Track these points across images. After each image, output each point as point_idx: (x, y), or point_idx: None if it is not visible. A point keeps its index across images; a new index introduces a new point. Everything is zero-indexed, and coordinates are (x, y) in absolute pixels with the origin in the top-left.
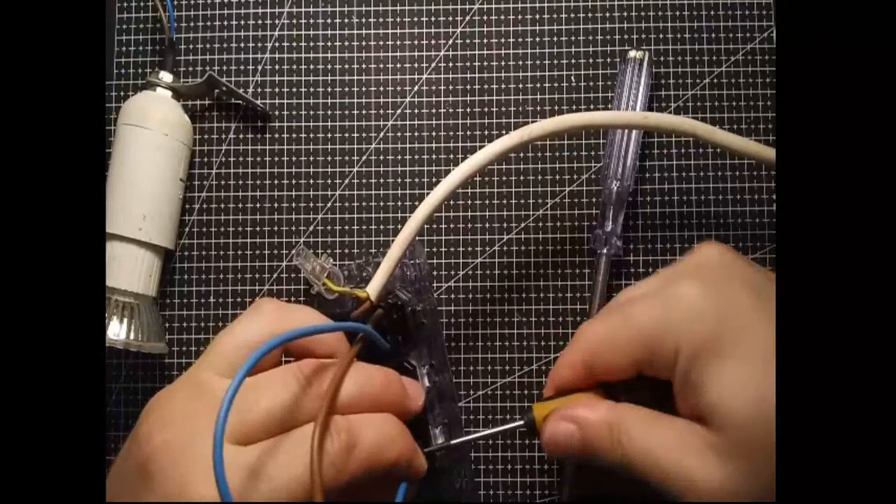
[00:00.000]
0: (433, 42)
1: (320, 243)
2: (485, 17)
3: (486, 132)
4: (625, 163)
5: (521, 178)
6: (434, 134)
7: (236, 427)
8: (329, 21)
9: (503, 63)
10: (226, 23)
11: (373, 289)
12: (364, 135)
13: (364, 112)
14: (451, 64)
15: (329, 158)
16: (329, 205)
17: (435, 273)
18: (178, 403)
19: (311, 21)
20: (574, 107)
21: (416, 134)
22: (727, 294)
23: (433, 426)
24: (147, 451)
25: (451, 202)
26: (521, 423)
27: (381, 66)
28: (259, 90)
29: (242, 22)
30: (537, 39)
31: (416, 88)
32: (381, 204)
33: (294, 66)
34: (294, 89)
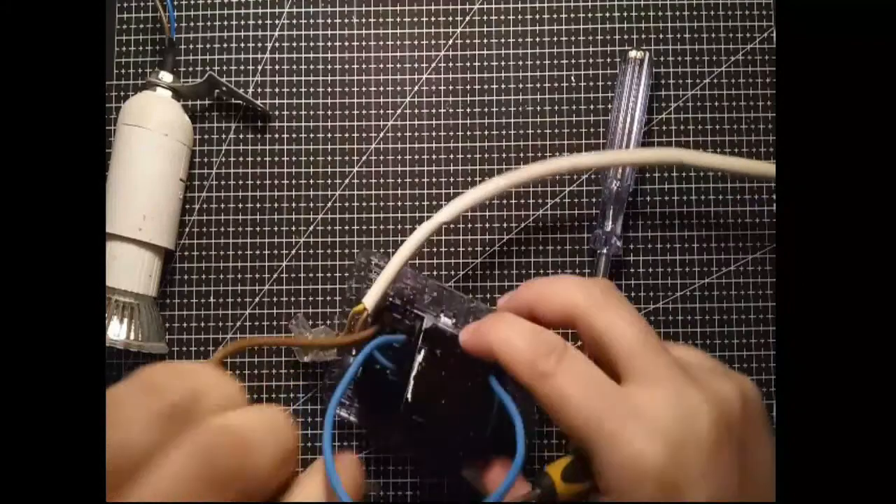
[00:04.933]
0: (433, 42)
1: (320, 243)
2: (485, 18)
3: (485, 132)
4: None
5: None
6: (434, 134)
7: None
8: (329, 21)
9: (503, 63)
10: (226, 23)
11: (370, 301)
12: (364, 135)
13: (364, 112)
14: (451, 64)
15: (329, 158)
16: (329, 205)
17: (435, 273)
18: None
19: (311, 21)
20: (574, 106)
21: (416, 134)
22: (700, 473)
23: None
24: None
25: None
26: (538, 492)
27: (381, 66)
28: (259, 90)
29: (243, 22)
30: (537, 40)
31: (416, 88)
32: (381, 204)
33: (294, 66)
34: (294, 89)
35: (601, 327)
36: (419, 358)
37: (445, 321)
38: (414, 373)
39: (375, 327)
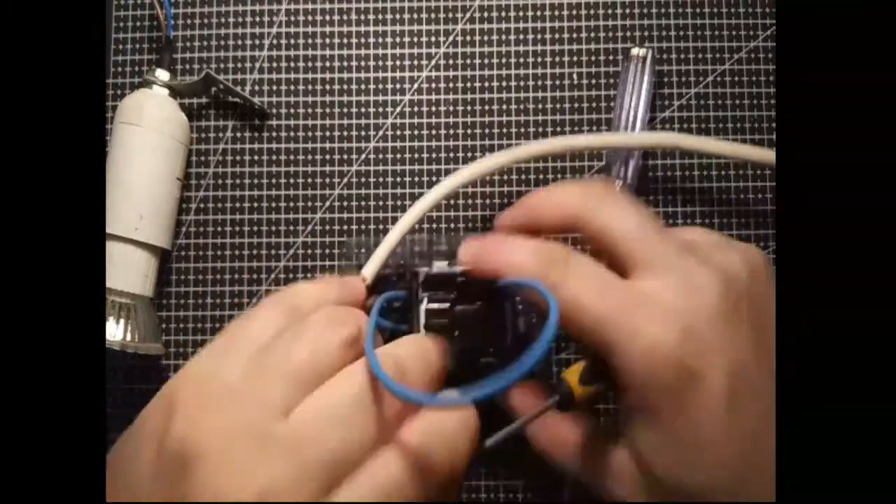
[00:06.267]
0: (433, 39)
1: (318, 243)
2: (486, 14)
3: (486, 130)
4: (627, 162)
5: (524, 176)
6: (434, 132)
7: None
8: (327, 18)
9: (504, 60)
10: (223, 20)
11: (368, 272)
12: (363, 133)
13: (363, 110)
14: (451, 61)
15: (327, 157)
16: (328, 204)
17: None
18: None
19: (309, 18)
20: (576, 104)
21: (415, 132)
22: (710, 342)
23: None
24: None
25: (452, 201)
26: (557, 398)
27: (381, 63)
28: (256, 88)
29: (240, 19)
30: (539, 36)
31: (415, 86)
32: (381, 203)
33: (292, 64)
34: (292, 87)
35: (601, 224)
36: (423, 307)
37: (440, 265)
38: (423, 322)
39: (373, 297)
